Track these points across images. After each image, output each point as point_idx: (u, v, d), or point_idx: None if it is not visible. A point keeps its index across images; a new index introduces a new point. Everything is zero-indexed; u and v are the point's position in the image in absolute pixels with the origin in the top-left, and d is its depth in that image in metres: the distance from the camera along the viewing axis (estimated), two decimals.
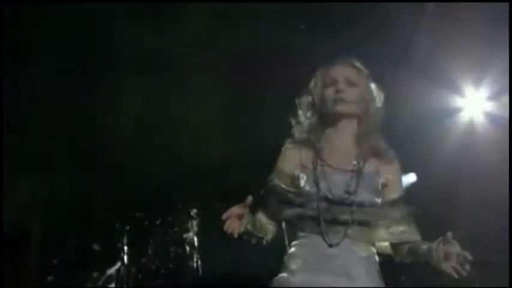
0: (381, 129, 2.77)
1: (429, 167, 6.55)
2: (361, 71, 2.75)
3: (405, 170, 2.83)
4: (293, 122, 2.79)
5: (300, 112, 2.77)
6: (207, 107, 6.26)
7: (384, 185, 2.67)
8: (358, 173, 2.64)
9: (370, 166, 2.68)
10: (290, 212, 2.63)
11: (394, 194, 2.68)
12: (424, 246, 2.52)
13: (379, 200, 2.62)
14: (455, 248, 2.37)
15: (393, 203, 2.65)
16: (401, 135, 2.87)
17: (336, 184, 2.60)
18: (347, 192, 2.59)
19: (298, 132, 2.76)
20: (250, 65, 5.87)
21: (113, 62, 5.91)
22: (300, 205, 2.61)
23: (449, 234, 2.38)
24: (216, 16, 5.53)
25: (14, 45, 5.73)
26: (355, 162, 2.67)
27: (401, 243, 2.63)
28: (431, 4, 5.35)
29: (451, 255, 2.36)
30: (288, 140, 2.78)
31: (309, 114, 2.75)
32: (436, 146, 6.44)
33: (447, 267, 2.36)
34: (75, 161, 6.58)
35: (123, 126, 6.24)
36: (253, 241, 2.63)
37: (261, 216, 2.70)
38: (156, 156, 6.47)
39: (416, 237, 2.63)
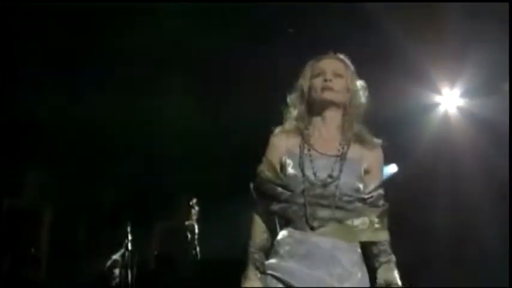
0: (366, 122, 2.73)
1: (409, 156, 6.70)
2: (348, 66, 2.73)
3: (387, 160, 2.77)
4: (284, 115, 2.76)
5: (290, 103, 2.74)
6: (203, 103, 6.24)
7: (366, 172, 2.64)
8: (342, 157, 2.60)
9: (354, 152, 2.64)
10: (277, 207, 2.60)
11: (375, 182, 2.65)
12: (379, 273, 2.61)
13: (361, 185, 2.60)
14: None
15: (371, 198, 2.62)
16: (385, 127, 2.85)
17: (321, 168, 2.57)
18: (330, 176, 2.55)
19: (287, 123, 2.74)
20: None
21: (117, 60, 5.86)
22: (286, 201, 2.58)
23: None
24: (196, 15, 5.45)
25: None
26: (339, 148, 2.63)
27: (372, 242, 2.63)
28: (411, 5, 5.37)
29: None
30: (277, 129, 2.75)
31: (297, 104, 2.72)
32: (416, 137, 6.66)
33: None
34: (82, 157, 6.55)
35: (127, 124, 6.21)
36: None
37: (259, 220, 2.69)
38: (158, 151, 6.46)
39: (385, 236, 2.64)
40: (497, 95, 6.26)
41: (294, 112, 2.72)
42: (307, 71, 2.72)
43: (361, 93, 2.70)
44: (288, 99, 2.74)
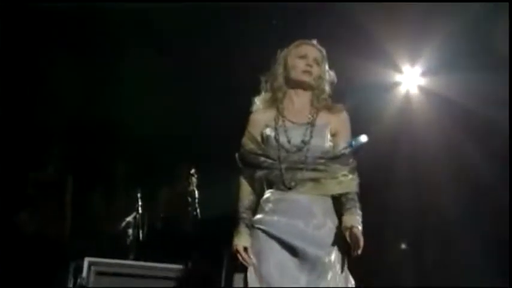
0: (334, 100, 2.90)
1: (370, 134, 6.59)
2: (324, 57, 2.92)
3: (356, 133, 2.94)
4: (264, 82, 2.92)
5: (273, 73, 2.88)
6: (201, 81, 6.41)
7: (335, 134, 2.82)
8: (312, 124, 2.80)
9: (322, 118, 2.83)
10: (260, 173, 2.79)
11: (343, 142, 2.81)
12: (343, 219, 2.72)
13: (330, 147, 2.79)
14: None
15: (342, 156, 2.78)
16: (350, 105, 3.01)
17: (294, 135, 2.77)
18: (303, 141, 2.75)
19: (266, 93, 2.90)
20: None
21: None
22: (267, 168, 2.77)
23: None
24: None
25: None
26: (309, 116, 2.84)
27: (342, 194, 2.80)
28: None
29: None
30: (255, 104, 2.91)
31: (279, 76, 2.87)
32: (378, 116, 6.38)
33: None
34: (97, 133, 6.74)
35: (135, 104, 6.41)
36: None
37: (245, 185, 2.84)
38: (163, 126, 6.63)
39: (354, 188, 2.79)
40: (458, 73, 5.89)
41: (274, 83, 2.87)
42: (292, 50, 2.87)
43: (330, 79, 2.92)
44: (272, 69, 2.88)
